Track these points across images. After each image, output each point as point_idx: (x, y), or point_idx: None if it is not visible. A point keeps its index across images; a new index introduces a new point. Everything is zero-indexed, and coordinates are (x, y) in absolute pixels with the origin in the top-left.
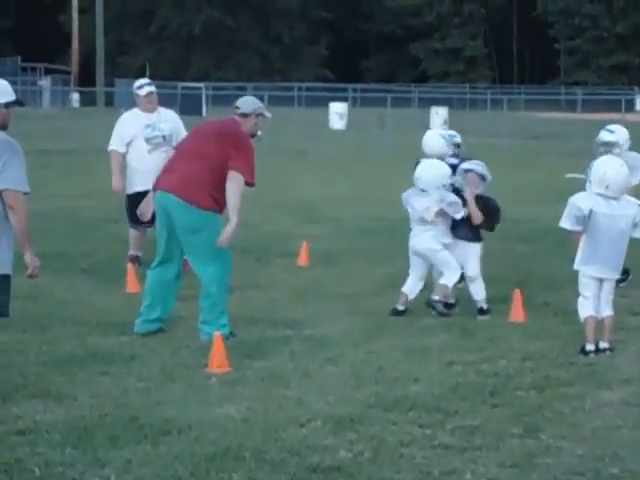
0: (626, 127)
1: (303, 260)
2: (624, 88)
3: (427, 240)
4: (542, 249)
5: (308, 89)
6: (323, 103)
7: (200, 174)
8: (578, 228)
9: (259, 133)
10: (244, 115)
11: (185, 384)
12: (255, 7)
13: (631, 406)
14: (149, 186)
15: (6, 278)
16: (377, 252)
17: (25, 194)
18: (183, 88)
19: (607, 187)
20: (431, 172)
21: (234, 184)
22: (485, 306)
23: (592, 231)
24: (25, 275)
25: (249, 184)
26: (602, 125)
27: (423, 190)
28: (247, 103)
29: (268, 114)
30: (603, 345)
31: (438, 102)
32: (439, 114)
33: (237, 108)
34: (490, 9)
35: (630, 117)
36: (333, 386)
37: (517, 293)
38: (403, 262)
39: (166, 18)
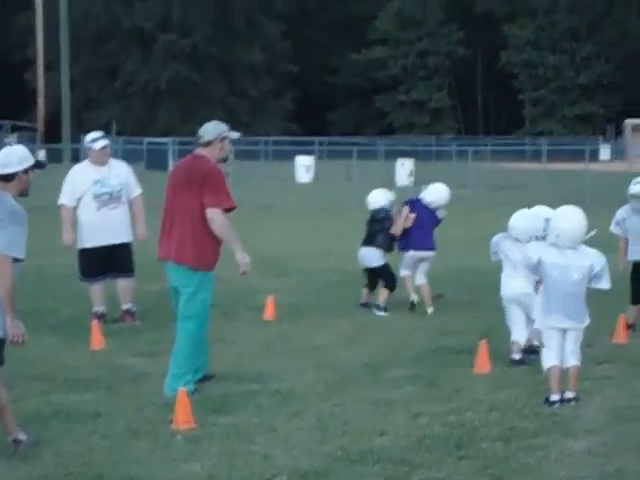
0: (591, 177)
1: (269, 314)
2: (588, 138)
3: (520, 285)
4: None
5: (274, 143)
6: (289, 156)
7: (188, 234)
8: (534, 277)
9: (230, 156)
10: (208, 143)
11: (150, 441)
12: (220, 62)
13: (596, 456)
14: (98, 242)
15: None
16: (343, 305)
17: (17, 260)
18: (149, 143)
19: (557, 236)
20: (526, 222)
21: (215, 221)
22: None
23: (546, 281)
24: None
25: (229, 209)
26: (567, 175)
27: (516, 239)
28: (208, 130)
29: (234, 134)
30: (568, 395)
31: (404, 154)
32: (405, 166)
33: (200, 137)
34: (454, 61)
35: (594, 167)
36: (299, 440)
37: (483, 344)
38: (369, 315)
39: (132, 74)
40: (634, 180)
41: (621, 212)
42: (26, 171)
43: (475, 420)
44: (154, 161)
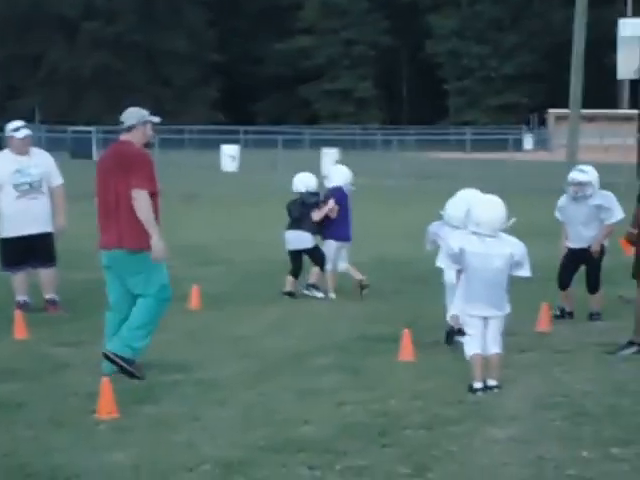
0: (514, 166)
1: (194, 303)
2: (512, 128)
3: None
4: (431, 289)
5: (199, 132)
6: (215, 145)
7: (127, 219)
8: (455, 267)
9: (152, 140)
10: (130, 128)
11: (74, 431)
12: (144, 50)
13: (518, 443)
14: (19, 232)
15: None
16: (267, 294)
17: None
18: (73, 132)
19: (478, 225)
20: (461, 209)
21: (138, 202)
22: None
23: (467, 270)
24: None
25: (154, 193)
26: (491, 164)
27: (455, 227)
28: (130, 116)
29: (155, 119)
30: (491, 383)
31: (329, 143)
32: (330, 155)
33: (122, 123)
34: (379, 51)
35: (518, 156)
36: (223, 429)
37: (406, 333)
38: (293, 303)
39: (55, 62)
40: (578, 167)
41: (561, 200)
42: None
43: (399, 408)
44: (79, 150)
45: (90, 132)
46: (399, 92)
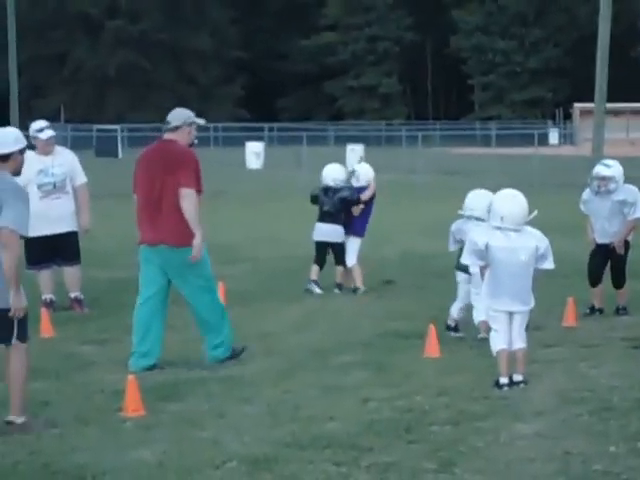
0: (540, 161)
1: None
2: (537, 122)
3: None
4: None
5: (224, 129)
6: (240, 143)
7: (170, 217)
8: (480, 263)
9: (195, 141)
10: (176, 128)
11: (100, 429)
12: (169, 48)
13: (544, 438)
14: (42, 231)
15: (5, 311)
16: (292, 291)
17: (21, 237)
18: (99, 130)
19: (502, 219)
20: (485, 201)
21: (186, 201)
22: None
23: (493, 265)
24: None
25: (200, 191)
26: (516, 159)
27: (478, 219)
28: (177, 116)
29: (201, 121)
30: (517, 378)
31: (354, 139)
32: (355, 151)
33: (168, 123)
34: (404, 47)
35: (544, 151)
36: (249, 426)
37: (431, 328)
38: (317, 301)
39: (80, 60)
40: (603, 161)
41: (585, 193)
42: (21, 151)
43: (424, 404)
44: (104, 148)
45: (116, 130)
46: (424, 88)
